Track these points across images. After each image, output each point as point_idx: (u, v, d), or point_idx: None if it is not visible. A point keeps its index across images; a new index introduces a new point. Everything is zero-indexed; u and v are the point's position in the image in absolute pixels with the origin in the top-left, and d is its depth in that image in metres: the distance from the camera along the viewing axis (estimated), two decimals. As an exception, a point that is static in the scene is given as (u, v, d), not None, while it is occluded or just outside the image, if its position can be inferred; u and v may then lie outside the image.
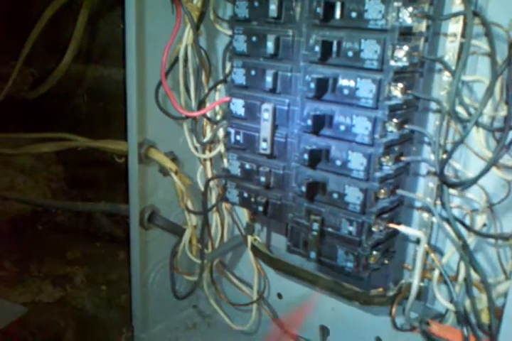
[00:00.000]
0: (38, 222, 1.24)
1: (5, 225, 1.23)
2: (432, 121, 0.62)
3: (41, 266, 1.16)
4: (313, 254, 0.65)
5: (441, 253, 0.66)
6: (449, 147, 0.60)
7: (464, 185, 0.56)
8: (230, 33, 0.72)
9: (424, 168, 0.64)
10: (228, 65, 0.74)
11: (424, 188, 0.64)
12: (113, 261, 1.16)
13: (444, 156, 0.58)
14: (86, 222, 1.24)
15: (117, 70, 1.04)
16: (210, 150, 0.82)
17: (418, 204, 0.65)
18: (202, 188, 0.83)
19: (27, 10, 1.12)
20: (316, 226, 0.63)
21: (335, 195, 0.61)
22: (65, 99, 1.15)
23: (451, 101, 0.55)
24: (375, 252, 0.62)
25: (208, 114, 0.78)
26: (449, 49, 0.59)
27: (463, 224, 0.61)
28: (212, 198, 0.84)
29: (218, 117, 0.79)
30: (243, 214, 0.81)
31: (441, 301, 0.62)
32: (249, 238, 0.81)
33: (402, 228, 0.62)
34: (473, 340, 0.58)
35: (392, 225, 0.62)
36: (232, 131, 0.69)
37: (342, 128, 0.58)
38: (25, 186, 1.20)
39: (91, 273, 1.14)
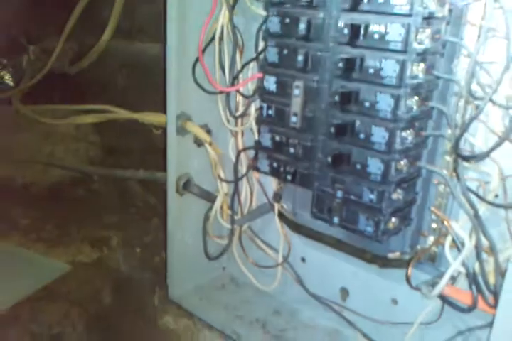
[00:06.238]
0: (76, 189, 1.32)
1: (46, 190, 1.32)
2: (451, 99, 0.66)
3: (80, 229, 1.24)
4: (336, 219, 0.71)
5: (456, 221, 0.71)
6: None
7: (477, 158, 0.61)
8: (263, 13, 0.77)
9: (441, 143, 0.69)
10: (261, 44, 0.79)
11: (440, 161, 0.69)
12: (146, 226, 1.23)
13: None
14: (120, 189, 1.31)
15: (153, 46, 1.09)
16: (242, 124, 0.87)
17: (435, 176, 0.70)
18: (233, 159, 0.89)
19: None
20: (340, 194, 0.69)
21: (358, 166, 0.66)
22: (103, 73, 1.21)
23: (467, 81, 0.59)
24: (393, 219, 0.68)
25: (241, 90, 0.84)
26: (469, 31, 0.63)
27: (476, 194, 0.66)
28: (243, 168, 0.90)
29: (250, 92, 0.84)
30: (270, 184, 0.87)
31: (453, 264, 0.67)
32: (276, 205, 0.87)
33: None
34: (481, 299, 0.65)
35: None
36: (265, 105, 0.75)
37: (367, 104, 0.63)
38: (65, 154, 1.28)
39: (126, 236, 1.22)
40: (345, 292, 0.87)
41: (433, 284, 0.70)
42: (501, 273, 0.61)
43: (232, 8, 0.79)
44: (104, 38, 1.11)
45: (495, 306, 0.60)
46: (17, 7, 1.18)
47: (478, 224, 0.64)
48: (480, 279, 0.65)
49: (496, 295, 0.62)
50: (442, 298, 0.70)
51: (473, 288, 0.66)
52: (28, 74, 1.24)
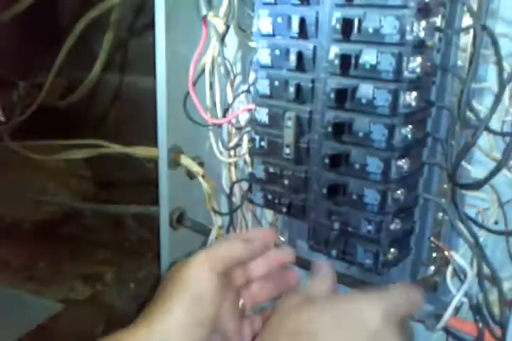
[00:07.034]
0: (68, 224, 1.30)
1: (37, 227, 1.30)
2: (445, 126, 0.66)
3: (72, 265, 1.21)
4: (333, 252, 0.69)
5: (456, 250, 0.70)
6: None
7: (474, 186, 0.60)
8: (253, 45, 0.76)
9: (437, 170, 0.68)
10: (251, 76, 0.78)
11: (437, 189, 0.68)
12: (140, 261, 1.21)
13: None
14: (113, 224, 1.29)
15: (145, 79, 1.09)
16: (235, 155, 0.86)
17: (433, 204, 0.69)
18: (227, 191, 0.87)
19: (57, 23, 1.18)
20: (336, 225, 0.68)
21: (354, 197, 0.65)
22: (94, 107, 1.21)
23: (461, 108, 0.59)
24: (392, 249, 0.66)
25: (233, 121, 0.83)
26: (460, 58, 0.63)
27: (475, 222, 0.65)
28: (237, 200, 0.88)
29: (242, 124, 0.84)
30: (266, 215, 0.86)
31: (456, 295, 0.66)
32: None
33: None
34: (486, 331, 0.63)
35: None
36: (257, 137, 0.74)
37: (361, 134, 0.62)
38: (56, 190, 1.27)
39: (119, 272, 1.20)
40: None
41: (436, 315, 0.68)
42: (506, 303, 0.60)
43: (222, 39, 0.79)
44: (95, 71, 1.11)
45: (502, 338, 0.58)
46: (6, 42, 1.18)
47: (478, 252, 0.63)
48: (484, 310, 0.63)
49: (502, 326, 0.60)
50: (446, 329, 0.69)
51: (478, 319, 0.64)
52: (18, 110, 1.23)
